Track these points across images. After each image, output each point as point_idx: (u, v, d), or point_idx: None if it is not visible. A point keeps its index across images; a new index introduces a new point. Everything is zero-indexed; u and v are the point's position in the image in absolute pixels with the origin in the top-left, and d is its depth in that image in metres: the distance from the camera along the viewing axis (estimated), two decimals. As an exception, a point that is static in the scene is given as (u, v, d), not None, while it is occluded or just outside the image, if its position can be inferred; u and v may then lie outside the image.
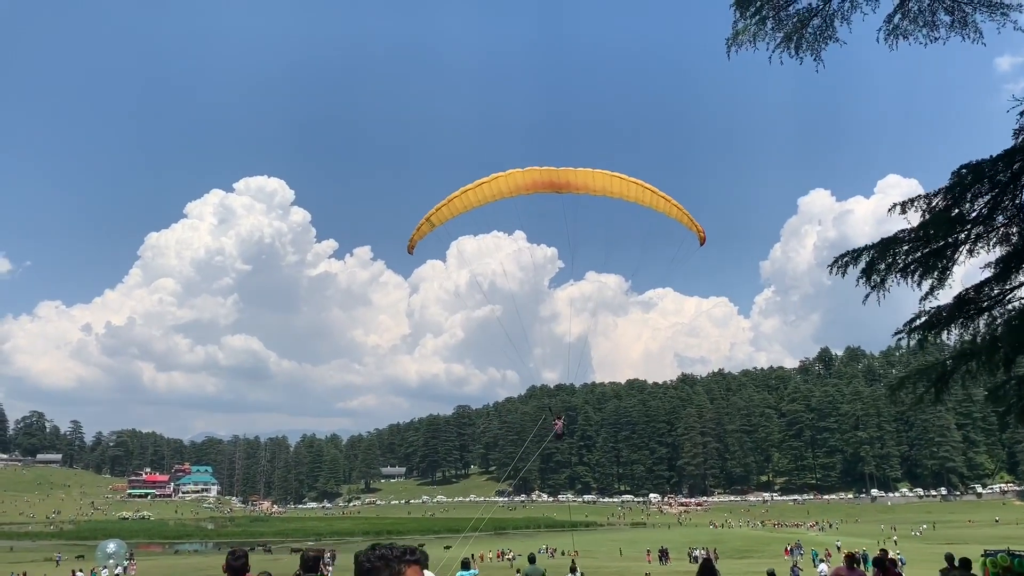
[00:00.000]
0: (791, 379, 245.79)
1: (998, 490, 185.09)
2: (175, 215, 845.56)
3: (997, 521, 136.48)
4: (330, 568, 46.89)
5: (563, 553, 79.13)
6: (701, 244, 20.30)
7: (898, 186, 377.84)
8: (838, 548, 74.27)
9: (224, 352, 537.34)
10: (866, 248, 9.18)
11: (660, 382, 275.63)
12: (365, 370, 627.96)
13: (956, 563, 12.97)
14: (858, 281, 9.34)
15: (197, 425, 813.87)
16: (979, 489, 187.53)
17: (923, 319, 9.59)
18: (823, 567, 37.25)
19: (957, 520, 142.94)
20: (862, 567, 13.20)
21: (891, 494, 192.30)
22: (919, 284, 9.17)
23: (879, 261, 9.12)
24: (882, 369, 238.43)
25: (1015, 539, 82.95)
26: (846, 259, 9.30)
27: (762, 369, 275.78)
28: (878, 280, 9.22)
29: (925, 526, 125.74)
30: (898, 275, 9.15)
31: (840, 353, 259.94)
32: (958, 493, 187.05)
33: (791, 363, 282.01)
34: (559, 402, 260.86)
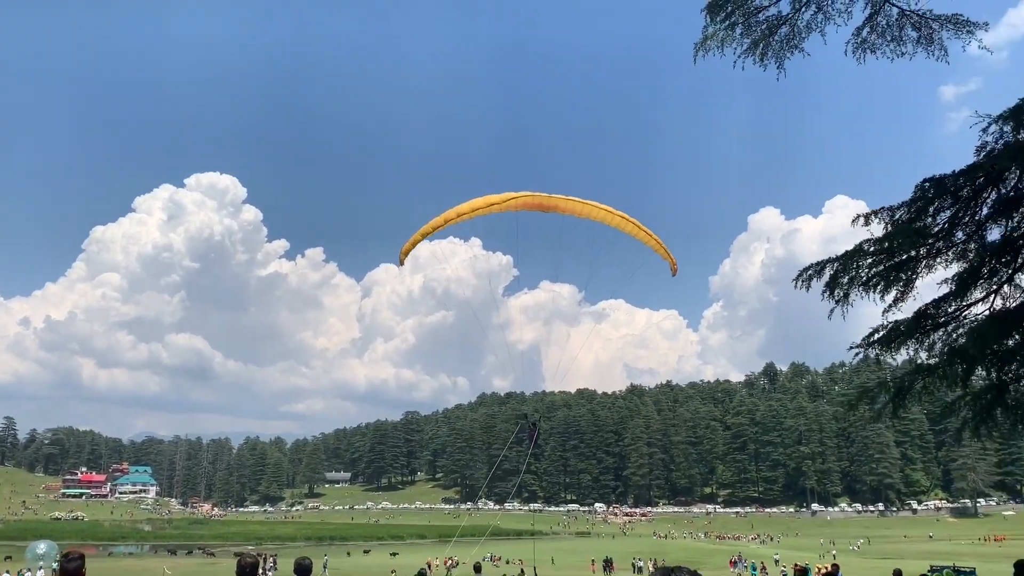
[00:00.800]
0: (737, 392, 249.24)
1: (933, 507, 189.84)
2: (122, 209, 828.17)
3: (931, 537, 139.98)
4: (271, 574, 45.83)
5: (507, 562, 78.85)
6: (673, 274, 21.34)
7: (846, 207, 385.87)
8: (776, 562, 75.24)
9: (168, 351, 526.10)
10: (829, 261, 9.14)
11: (609, 392, 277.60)
12: (312, 373, 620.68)
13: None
14: (822, 295, 9.33)
15: (138, 424, 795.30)
16: (915, 505, 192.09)
17: (881, 333, 9.59)
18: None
19: (893, 535, 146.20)
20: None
21: (831, 509, 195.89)
22: (882, 297, 9.15)
23: (842, 274, 9.10)
24: (825, 386, 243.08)
25: (949, 555, 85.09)
26: (810, 272, 9.25)
27: (709, 382, 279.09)
28: (841, 294, 9.20)
29: (862, 541, 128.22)
30: (860, 288, 9.14)
31: (785, 368, 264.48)
32: (895, 509, 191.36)
33: (737, 377, 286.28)
34: (509, 409, 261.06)
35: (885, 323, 9.55)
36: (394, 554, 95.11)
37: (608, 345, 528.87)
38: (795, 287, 9.39)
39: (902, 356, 10.01)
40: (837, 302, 9.28)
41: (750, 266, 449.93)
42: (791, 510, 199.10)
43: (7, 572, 54.86)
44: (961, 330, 9.29)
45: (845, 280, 9.14)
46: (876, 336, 9.61)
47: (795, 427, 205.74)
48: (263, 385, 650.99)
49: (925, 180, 8.53)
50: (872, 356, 9.74)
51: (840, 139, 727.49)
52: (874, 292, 9.11)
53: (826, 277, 9.22)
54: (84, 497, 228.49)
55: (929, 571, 13.81)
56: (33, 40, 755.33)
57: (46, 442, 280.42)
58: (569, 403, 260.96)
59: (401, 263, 21.34)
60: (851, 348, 10.01)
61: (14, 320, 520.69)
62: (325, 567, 67.63)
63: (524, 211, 19.68)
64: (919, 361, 9.40)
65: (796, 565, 14.04)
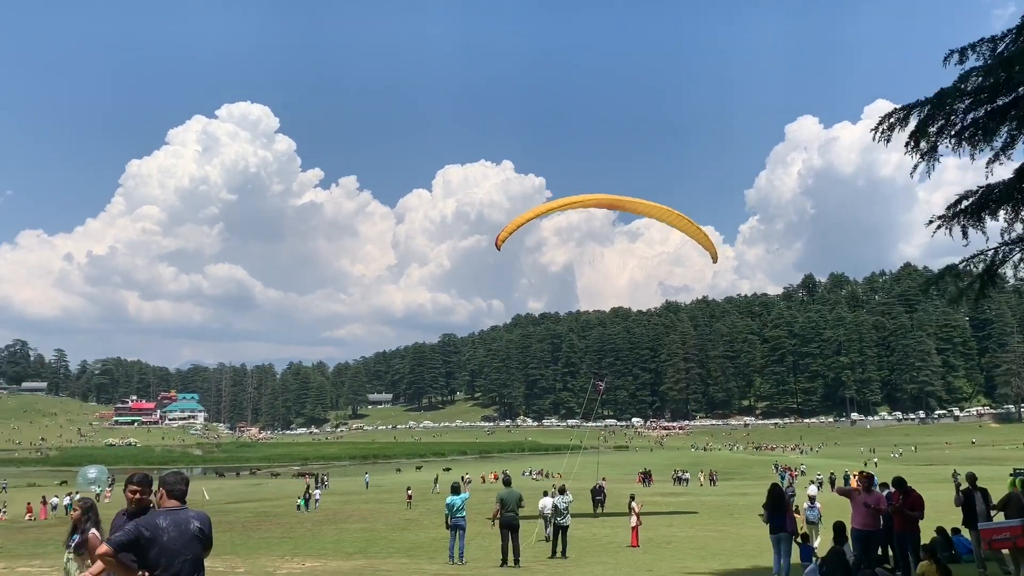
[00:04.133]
0: (775, 305, 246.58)
1: (975, 413, 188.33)
2: (156, 142, 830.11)
3: (974, 443, 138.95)
4: (319, 491, 46.48)
5: (547, 476, 79.45)
6: (714, 262, 25.70)
7: (886, 112, 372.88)
8: (802, 472, 75.33)
9: (209, 281, 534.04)
10: (917, 104, 7.61)
11: (644, 310, 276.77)
12: (351, 300, 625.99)
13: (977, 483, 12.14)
14: (905, 148, 7.85)
15: (184, 354, 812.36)
16: (957, 412, 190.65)
17: (971, 200, 8.11)
18: (813, 488, 36.94)
19: (934, 442, 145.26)
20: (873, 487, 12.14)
21: (870, 417, 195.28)
22: (987, 145, 7.57)
23: (931, 121, 7.60)
24: (865, 295, 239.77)
25: (992, 460, 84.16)
26: (892, 119, 7.76)
27: (745, 296, 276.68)
28: (927, 147, 7.74)
29: (902, 449, 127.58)
30: (952, 139, 7.65)
31: (824, 280, 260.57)
32: (936, 416, 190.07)
33: (774, 291, 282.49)
34: (544, 330, 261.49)
35: (975, 188, 8.10)
36: (447, 469, 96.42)
37: (644, 264, 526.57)
38: (874, 139, 7.88)
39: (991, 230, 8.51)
40: (923, 156, 7.77)
41: (787, 178, 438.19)
42: (830, 420, 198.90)
43: (57, 496, 56.03)
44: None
45: (934, 129, 7.64)
46: (963, 204, 8.16)
47: (834, 338, 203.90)
48: (304, 312, 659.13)
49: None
50: (958, 229, 8.26)
51: (878, 40, 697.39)
52: (969, 144, 7.59)
53: (911, 125, 7.72)
54: (135, 424, 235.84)
55: (1012, 474, 12.87)
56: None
57: (96, 373, 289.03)
58: (604, 322, 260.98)
59: (498, 248, 23.89)
60: (930, 222, 8.59)
61: (59, 256, 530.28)
62: (367, 484, 69.09)
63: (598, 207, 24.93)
64: (1015, 232, 7.98)
65: (862, 472, 13.21)
